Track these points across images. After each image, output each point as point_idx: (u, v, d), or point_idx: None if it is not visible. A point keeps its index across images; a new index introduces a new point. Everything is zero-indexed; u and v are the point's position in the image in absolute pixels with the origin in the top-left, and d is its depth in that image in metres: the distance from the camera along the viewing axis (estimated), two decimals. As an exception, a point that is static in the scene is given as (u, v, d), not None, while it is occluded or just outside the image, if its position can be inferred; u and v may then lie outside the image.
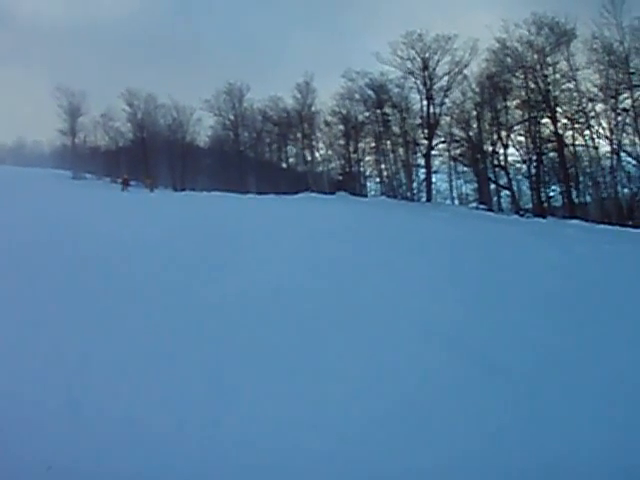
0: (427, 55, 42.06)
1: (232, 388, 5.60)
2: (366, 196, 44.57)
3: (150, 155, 53.19)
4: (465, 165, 43.45)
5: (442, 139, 43.49)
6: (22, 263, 9.55)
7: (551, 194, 38.34)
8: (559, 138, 36.39)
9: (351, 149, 48.37)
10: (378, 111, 45.51)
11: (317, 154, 51.47)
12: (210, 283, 8.81)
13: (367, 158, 48.67)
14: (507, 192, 39.87)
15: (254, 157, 54.57)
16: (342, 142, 48.94)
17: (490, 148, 40.54)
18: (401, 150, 45.29)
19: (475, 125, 41.45)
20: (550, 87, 36.80)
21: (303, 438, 4.50)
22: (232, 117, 53.95)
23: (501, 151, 39.98)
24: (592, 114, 35.13)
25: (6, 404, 4.93)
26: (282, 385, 5.50)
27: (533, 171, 38.07)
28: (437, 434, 4.62)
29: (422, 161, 44.02)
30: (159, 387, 5.24)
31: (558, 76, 36.75)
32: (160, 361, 6.06)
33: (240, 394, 5.44)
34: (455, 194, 44.47)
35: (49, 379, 5.49)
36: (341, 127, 48.44)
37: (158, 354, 6.21)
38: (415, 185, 44.34)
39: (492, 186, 40.82)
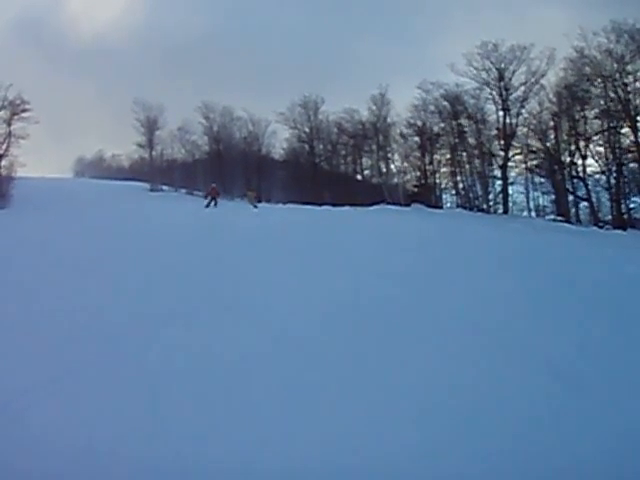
0: (503, 65, 44.34)
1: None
2: (442, 208, 46.82)
3: (226, 168, 56.90)
4: (542, 176, 44.88)
5: (519, 150, 45.20)
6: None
7: (632, 206, 39.19)
8: (640, 148, 37.33)
9: (426, 161, 50.92)
10: (454, 122, 47.91)
11: (392, 166, 54.17)
12: (316, 287, 9.63)
13: (443, 170, 51.10)
14: (586, 204, 40.97)
15: (329, 169, 57.69)
16: (417, 154, 51.60)
17: (568, 159, 41.91)
18: (477, 161, 47.58)
19: (552, 136, 42.97)
20: (630, 96, 38.06)
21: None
22: (307, 129, 57.44)
23: (579, 162, 41.32)
24: (675, 123, 35.86)
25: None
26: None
27: (613, 182, 39.03)
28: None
29: (498, 172, 46.06)
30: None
31: (639, 85, 38.08)
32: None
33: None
34: (532, 206, 46.00)
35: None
36: (416, 139, 51.12)
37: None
38: (491, 197, 46.51)
39: (570, 198, 42.07)
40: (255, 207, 36.65)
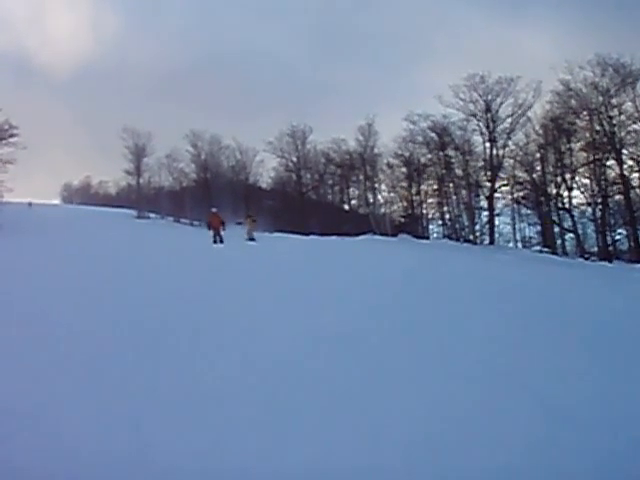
0: (490, 97, 45.35)
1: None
2: (428, 238, 47.40)
3: (213, 196, 56.93)
4: (528, 208, 45.71)
5: (505, 181, 46.09)
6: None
7: (617, 237, 39.96)
8: (625, 180, 38.33)
9: (413, 191, 51.81)
10: (441, 153, 48.79)
11: (379, 196, 55.06)
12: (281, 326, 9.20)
13: (429, 200, 51.94)
14: (572, 235, 41.62)
15: (316, 199, 58.53)
16: (404, 184, 52.50)
17: (554, 190, 42.74)
18: (464, 192, 48.27)
19: (539, 167, 43.92)
20: (616, 129, 39.00)
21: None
22: (295, 159, 58.42)
23: (565, 194, 42.10)
24: (659, 156, 36.80)
25: None
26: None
27: (598, 214, 39.68)
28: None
29: (485, 203, 46.85)
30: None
31: (624, 117, 39.03)
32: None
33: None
34: (518, 237, 46.75)
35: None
36: (403, 169, 52.04)
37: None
38: (478, 227, 47.17)
39: (556, 229, 42.79)
40: (252, 240, 29.41)
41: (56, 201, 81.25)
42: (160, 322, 8.93)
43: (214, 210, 30.20)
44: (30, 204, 65.37)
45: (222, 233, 27.22)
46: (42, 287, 11.48)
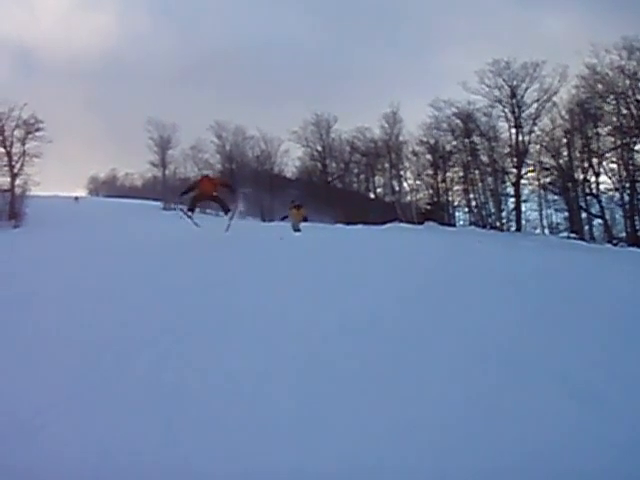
0: (515, 83, 45.55)
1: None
2: (454, 226, 47.68)
3: (239, 186, 57.21)
4: (555, 193, 45.79)
5: (531, 167, 46.20)
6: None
7: None
8: (653, 164, 37.98)
9: (439, 179, 52.15)
10: (466, 140, 49.13)
11: (405, 184, 55.43)
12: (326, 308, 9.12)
13: (455, 187, 52.33)
14: (599, 221, 41.76)
15: (342, 187, 59.00)
16: (430, 172, 52.79)
17: (581, 176, 42.84)
18: (490, 179, 48.64)
19: (565, 153, 44.03)
20: None
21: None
22: (320, 148, 59.09)
23: (593, 179, 42.19)
24: (689, 138, 36.83)
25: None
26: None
27: (627, 199, 39.87)
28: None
29: (511, 190, 47.03)
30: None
31: None
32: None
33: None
34: (545, 223, 46.97)
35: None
36: (429, 157, 52.36)
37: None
38: (504, 214, 47.44)
39: (584, 215, 42.94)
40: (298, 230, 25.43)
41: (82, 193, 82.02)
42: (188, 311, 9.50)
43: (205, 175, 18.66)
44: (77, 198, 67.43)
45: (229, 215, 17.77)
46: (66, 278, 12.07)
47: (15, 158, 52.02)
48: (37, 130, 52.39)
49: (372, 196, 58.36)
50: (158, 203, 63.83)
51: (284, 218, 26.71)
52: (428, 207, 52.87)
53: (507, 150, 47.39)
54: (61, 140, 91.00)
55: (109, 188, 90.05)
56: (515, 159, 46.18)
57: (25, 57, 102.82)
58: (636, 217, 39.43)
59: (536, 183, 46.83)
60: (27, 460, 4.32)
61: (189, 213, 17.46)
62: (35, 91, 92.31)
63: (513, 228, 45.32)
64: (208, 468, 4.45)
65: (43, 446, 4.53)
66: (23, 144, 52.44)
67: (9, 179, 51.66)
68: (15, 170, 51.71)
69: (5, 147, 52.10)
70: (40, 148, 52.45)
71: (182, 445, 4.70)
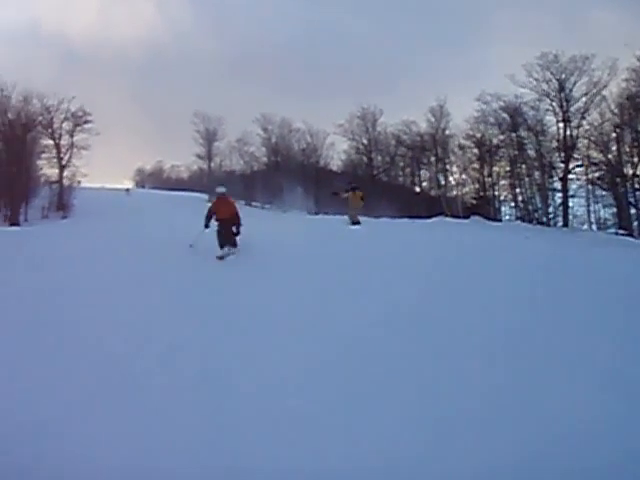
0: (563, 76, 45.26)
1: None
2: (500, 220, 47.53)
3: (284, 179, 57.98)
4: (604, 189, 45.25)
5: (579, 162, 45.89)
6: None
7: None
8: None
9: (485, 173, 52.12)
10: (513, 134, 48.95)
11: (451, 178, 55.63)
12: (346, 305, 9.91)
13: (502, 182, 52.10)
14: (649, 217, 40.93)
15: (387, 181, 59.24)
16: (476, 166, 52.90)
17: (630, 171, 42.36)
18: (537, 174, 48.40)
19: (614, 147, 43.45)
20: None
21: None
22: (365, 141, 59.07)
23: (642, 174, 41.36)
24: None
25: None
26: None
27: (677, 195, 38.93)
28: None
29: (558, 185, 46.85)
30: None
31: None
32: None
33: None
34: (593, 219, 46.44)
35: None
36: (475, 151, 52.45)
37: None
38: (551, 209, 47.22)
39: (633, 211, 42.37)
40: (356, 223, 21.91)
41: (129, 185, 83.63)
42: (229, 305, 10.07)
43: (222, 190, 15.55)
44: (128, 190, 69.61)
45: (234, 233, 14.77)
46: (114, 272, 12.61)
47: (63, 150, 53.77)
48: (85, 122, 54.24)
49: (417, 190, 58.35)
50: (204, 195, 64.84)
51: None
52: (474, 201, 52.91)
53: (555, 144, 47.10)
54: (108, 132, 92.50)
55: (155, 180, 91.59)
56: (563, 154, 45.92)
57: (73, 51, 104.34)
58: (686, 213, 38.34)
59: (584, 178, 46.36)
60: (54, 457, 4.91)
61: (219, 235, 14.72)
62: (83, 84, 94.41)
63: (560, 224, 45.06)
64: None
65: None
66: (71, 136, 54.44)
67: (57, 171, 53.30)
68: (63, 162, 53.39)
69: (54, 139, 53.95)
70: (88, 140, 54.37)
71: (232, 439, 5.28)
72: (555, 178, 47.39)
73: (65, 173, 53.47)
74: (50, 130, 53.55)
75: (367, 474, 4.86)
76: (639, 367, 7.01)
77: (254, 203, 61.09)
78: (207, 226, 14.68)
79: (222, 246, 14.44)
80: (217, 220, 14.80)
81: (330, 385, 6.53)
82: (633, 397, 6.19)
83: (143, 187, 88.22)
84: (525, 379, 6.67)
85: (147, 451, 5.10)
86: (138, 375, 6.83)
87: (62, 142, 54.04)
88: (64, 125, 54.05)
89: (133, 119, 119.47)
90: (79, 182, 53.97)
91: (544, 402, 6.12)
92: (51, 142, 53.84)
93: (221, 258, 14.14)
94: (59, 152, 53.65)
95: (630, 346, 7.79)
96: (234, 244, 14.64)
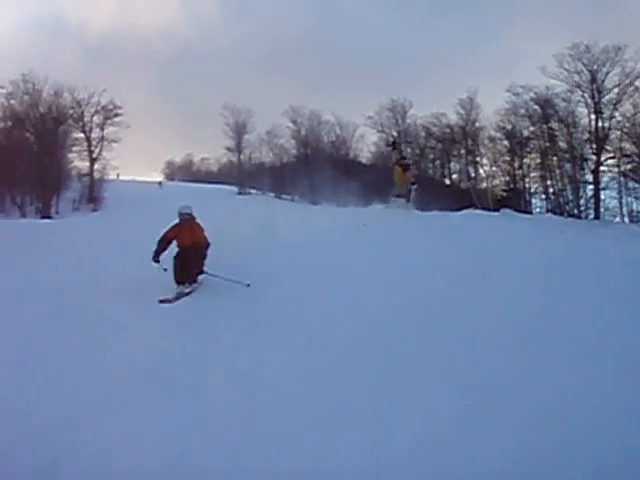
0: (595, 67, 44.72)
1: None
2: (531, 213, 46.73)
3: (313, 171, 58.19)
4: (636, 181, 44.89)
5: (611, 154, 45.42)
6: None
7: None
8: None
9: (516, 165, 51.70)
10: (544, 126, 48.59)
11: (481, 170, 55.34)
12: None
13: (532, 174, 51.71)
14: (683, 209, 40.42)
15: (417, 173, 58.73)
16: (507, 158, 52.46)
17: (664, 163, 41.60)
18: (568, 166, 47.94)
19: (648, 139, 42.71)
20: None
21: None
22: (395, 133, 58.68)
23: (676, 166, 40.84)
24: None
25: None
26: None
27: None
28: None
29: (590, 177, 46.39)
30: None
31: None
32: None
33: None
34: (625, 211, 46.00)
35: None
36: (506, 143, 52.05)
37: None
38: (582, 202, 46.83)
39: (665, 203, 41.65)
40: (400, 197, 20.88)
41: (159, 178, 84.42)
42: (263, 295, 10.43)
43: (186, 211, 12.27)
44: (160, 183, 70.46)
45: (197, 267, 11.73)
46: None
47: (94, 143, 54.62)
48: (115, 116, 54.99)
49: (447, 182, 58.26)
50: (233, 187, 65.46)
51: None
52: (504, 194, 52.51)
53: (586, 136, 46.65)
54: (138, 125, 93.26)
55: (185, 173, 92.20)
56: (594, 145, 45.50)
57: (103, 44, 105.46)
58: None
59: (616, 170, 45.88)
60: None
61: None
62: (113, 78, 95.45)
63: (591, 216, 44.81)
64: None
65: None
66: (102, 129, 55.11)
67: (88, 164, 54.24)
68: (94, 155, 54.26)
69: (84, 132, 54.77)
70: (118, 133, 55.12)
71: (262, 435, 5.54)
72: (586, 170, 46.98)
73: (96, 166, 54.43)
74: (81, 123, 54.42)
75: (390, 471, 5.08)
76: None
77: (284, 195, 61.48)
78: (157, 260, 11.52)
79: (179, 282, 11.41)
80: (178, 247, 11.79)
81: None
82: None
83: (173, 180, 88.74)
84: (545, 371, 6.90)
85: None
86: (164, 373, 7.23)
87: (93, 135, 54.90)
88: (94, 118, 54.88)
89: (162, 112, 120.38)
90: (117, 175, 55.83)
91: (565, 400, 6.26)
92: (82, 135, 54.74)
93: (169, 301, 10.86)
94: (90, 145, 54.51)
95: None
96: (195, 280, 11.68)
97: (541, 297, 10.10)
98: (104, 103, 54.29)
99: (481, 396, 6.37)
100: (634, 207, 46.10)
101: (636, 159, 43.89)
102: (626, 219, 45.36)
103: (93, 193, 52.28)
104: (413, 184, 20.85)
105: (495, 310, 9.35)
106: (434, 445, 5.44)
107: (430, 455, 5.30)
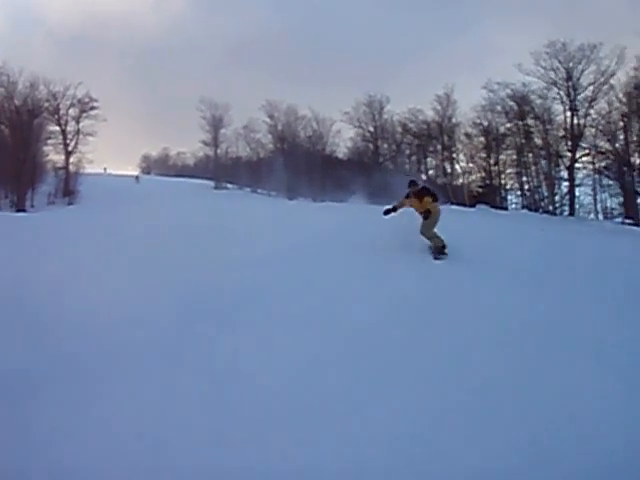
0: (571, 65, 45.26)
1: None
2: (506, 209, 47.81)
3: (290, 166, 58.11)
4: (610, 178, 45.32)
5: (586, 151, 45.89)
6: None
7: None
8: None
9: (492, 161, 52.06)
10: (520, 123, 48.93)
11: (457, 166, 55.76)
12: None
13: (508, 170, 52.20)
14: (655, 207, 40.95)
15: (394, 169, 58.46)
16: (483, 154, 52.90)
17: (638, 161, 42.57)
18: (543, 162, 48.44)
19: (622, 137, 43.57)
20: None
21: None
22: (372, 129, 59.22)
23: (650, 164, 41.33)
24: None
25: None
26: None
27: (685, 185, 39.01)
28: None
29: (565, 174, 46.92)
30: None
31: None
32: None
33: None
34: (599, 208, 46.53)
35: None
36: (482, 139, 52.49)
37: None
38: (557, 198, 47.31)
39: (639, 200, 42.41)
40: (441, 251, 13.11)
41: (135, 172, 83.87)
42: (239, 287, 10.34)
43: None
44: (137, 177, 70.44)
45: None
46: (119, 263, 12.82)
47: (70, 136, 54.23)
48: (91, 109, 54.66)
49: (424, 178, 58.34)
50: (210, 182, 65.21)
51: (388, 213, 13.72)
52: (480, 190, 52.96)
53: (562, 133, 47.12)
54: (115, 119, 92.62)
55: (161, 167, 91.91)
56: (570, 142, 45.94)
57: (79, 38, 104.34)
58: (694, 203, 38.48)
59: (591, 167, 46.47)
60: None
61: None
62: (90, 71, 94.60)
63: (566, 212, 45.29)
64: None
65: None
66: (78, 122, 54.77)
67: (64, 157, 53.76)
68: (69, 148, 53.80)
69: (60, 125, 54.37)
70: (94, 127, 54.78)
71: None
72: (562, 167, 47.44)
73: (71, 159, 54.02)
74: (56, 116, 54.06)
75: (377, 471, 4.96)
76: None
77: (260, 190, 61.31)
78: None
79: None
80: None
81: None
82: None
83: (149, 174, 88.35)
84: (530, 368, 6.87)
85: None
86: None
87: (68, 128, 54.66)
88: (70, 111, 54.65)
89: (139, 106, 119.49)
90: (105, 169, 55.21)
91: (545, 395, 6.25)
92: (57, 128, 54.39)
93: None
94: (65, 138, 54.17)
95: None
96: None
97: (521, 295, 10.13)
98: (80, 96, 54.10)
99: (464, 394, 6.30)
100: (608, 204, 46.69)
101: (610, 156, 44.28)
102: (600, 216, 45.91)
103: (69, 187, 51.72)
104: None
105: (476, 306, 9.34)
106: (414, 445, 5.33)
107: (410, 455, 5.19)
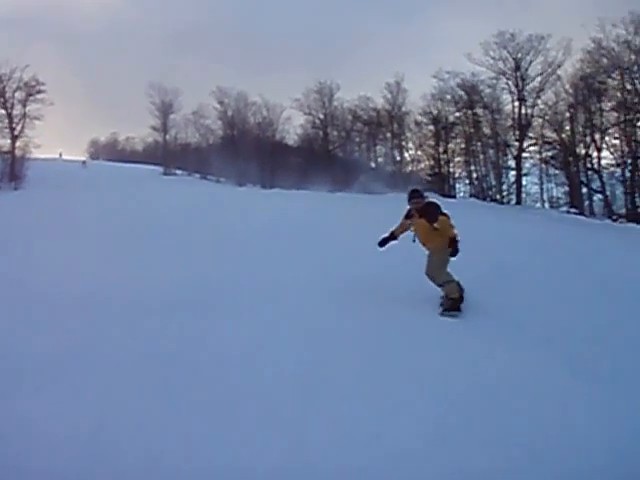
0: (519, 55, 45.74)
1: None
2: (455, 197, 48.00)
3: (239, 153, 57.53)
4: (556, 168, 45.91)
5: (533, 141, 46.44)
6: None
7: None
8: (656, 141, 38.10)
9: (441, 150, 52.31)
10: (469, 112, 49.44)
11: (406, 154, 56.24)
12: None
13: (457, 159, 52.60)
14: (600, 196, 41.90)
15: (343, 156, 59.11)
16: (432, 142, 53.06)
17: (583, 151, 42.86)
18: (491, 152, 49.01)
19: (568, 127, 43.97)
20: None
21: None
22: (322, 116, 59.01)
23: (594, 154, 42.22)
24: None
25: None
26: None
27: (628, 175, 39.90)
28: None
29: (512, 163, 47.45)
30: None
31: None
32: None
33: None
34: (545, 197, 47.39)
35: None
36: (431, 127, 52.69)
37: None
38: (505, 187, 47.92)
39: (584, 190, 43.04)
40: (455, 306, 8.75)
41: (83, 157, 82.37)
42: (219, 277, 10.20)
43: None
44: (84, 162, 69.80)
45: None
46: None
47: (16, 120, 52.45)
48: (38, 92, 52.78)
49: (373, 165, 58.67)
50: (159, 168, 64.38)
51: (385, 243, 9.54)
52: (429, 178, 53.05)
53: (510, 123, 47.61)
54: (62, 103, 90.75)
55: (110, 152, 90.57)
56: (517, 132, 46.41)
57: (27, 20, 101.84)
58: (636, 194, 39.37)
59: (537, 157, 47.05)
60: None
61: None
62: (37, 53, 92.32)
63: (513, 201, 45.84)
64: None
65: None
66: (24, 106, 52.86)
67: (9, 141, 52.09)
68: (16, 132, 52.15)
69: (6, 109, 52.57)
70: (41, 110, 53.00)
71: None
72: (509, 156, 48.04)
73: (17, 144, 52.29)
74: (2, 99, 52.26)
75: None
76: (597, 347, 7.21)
77: (209, 177, 60.74)
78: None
79: None
80: None
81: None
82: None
83: (97, 159, 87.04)
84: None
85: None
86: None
87: (14, 112, 52.70)
88: (16, 94, 52.65)
89: (88, 90, 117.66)
90: (60, 154, 53.22)
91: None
92: (3, 112, 52.55)
93: None
94: (11, 122, 52.39)
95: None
96: None
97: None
98: (27, 79, 52.11)
99: (455, 394, 6.19)
100: (554, 193, 47.44)
101: (557, 146, 44.76)
102: (546, 204, 46.66)
103: (14, 171, 50.20)
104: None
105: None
106: (400, 448, 5.09)
107: (394, 455, 4.98)
